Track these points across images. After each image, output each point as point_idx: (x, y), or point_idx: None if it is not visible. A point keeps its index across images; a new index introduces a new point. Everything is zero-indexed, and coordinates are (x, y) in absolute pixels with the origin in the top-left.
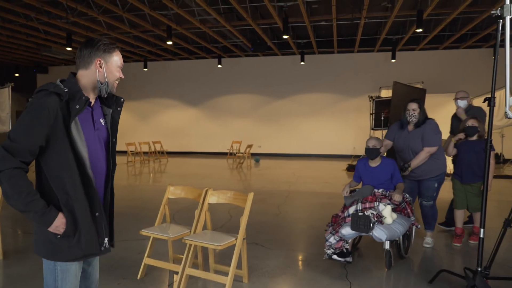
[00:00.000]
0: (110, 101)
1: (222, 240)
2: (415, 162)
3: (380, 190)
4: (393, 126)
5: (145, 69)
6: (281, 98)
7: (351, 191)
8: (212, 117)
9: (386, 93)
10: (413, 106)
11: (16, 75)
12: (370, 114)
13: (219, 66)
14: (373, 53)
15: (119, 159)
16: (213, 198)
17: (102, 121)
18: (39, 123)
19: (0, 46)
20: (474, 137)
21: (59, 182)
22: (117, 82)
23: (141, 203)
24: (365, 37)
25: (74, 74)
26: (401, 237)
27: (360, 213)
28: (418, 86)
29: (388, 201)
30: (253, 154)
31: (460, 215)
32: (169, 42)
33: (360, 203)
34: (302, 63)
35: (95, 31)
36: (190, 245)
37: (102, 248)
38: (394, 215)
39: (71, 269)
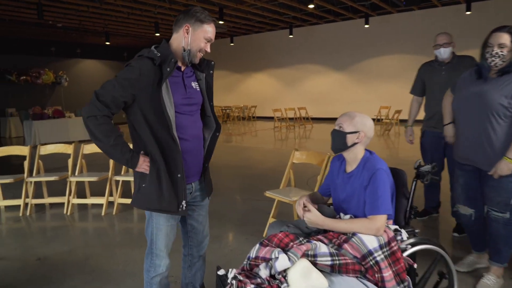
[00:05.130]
0: (202, 66)
1: None
2: None
3: (346, 217)
4: (465, 74)
5: (291, 36)
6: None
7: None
8: (359, 81)
9: None
10: (501, 38)
11: None
12: None
13: (366, 26)
14: None
15: (267, 125)
16: None
17: (194, 84)
18: (128, 80)
19: (169, 26)
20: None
21: (148, 140)
22: (201, 54)
23: (281, 166)
24: None
25: (167, 40)
26: None
27: (220, 271)
28: None
29: (326, 247)
30: (403, 121)
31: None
32: (311, 6)
33: (259, 245)
34: (468, 12)
35: (243, 2)
36: None
37: (179, 209)
38: (323, 283)
39: (163, 229)
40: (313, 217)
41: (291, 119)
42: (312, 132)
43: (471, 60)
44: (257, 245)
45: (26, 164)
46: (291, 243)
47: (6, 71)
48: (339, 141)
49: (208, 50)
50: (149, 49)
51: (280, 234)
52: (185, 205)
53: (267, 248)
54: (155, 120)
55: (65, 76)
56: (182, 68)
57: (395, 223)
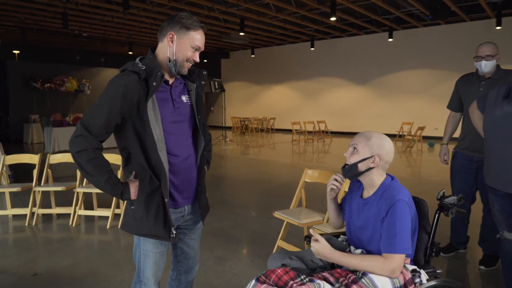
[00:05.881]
0: (194, 76)
1: None
2: None
3: (357, 251)
4: (493, 92)
5: (312, 48)
6: (467, 73)
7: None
8: (381, 96)
9: None
10: None
11: (205, 61)
12: None
13: (390, 40)
14: None
15: (285, 137)
16: None
17: (184, 98)
18: (116, 101)
19: None
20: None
21: (136, 160)
22: (189, 64)
23: (297, 182)
24: None
25: (154, 51)
26: None
27: None
28: None
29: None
30: (426, 138)
31: None
32: (333, 18)
33: (255, 281)
34: (498, 27)
35: (265, 15)
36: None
37: (171, 235)
38: None
39: (151, 256)
40: (321, 247)
41: (309, 132)
42: (331, 147)
43: None
44: (253, 281)
45: (35, 172)
46: (291, 282)
47: (32, 79)
48: (352, 172)
49: (197, 59)
50: (133, 62)
51: (279, 270)
52: (175, 232)
53: (264, 286)
54: (144, 139)
55: (88, 84)
56: (170, 81)
57: (413, 262)
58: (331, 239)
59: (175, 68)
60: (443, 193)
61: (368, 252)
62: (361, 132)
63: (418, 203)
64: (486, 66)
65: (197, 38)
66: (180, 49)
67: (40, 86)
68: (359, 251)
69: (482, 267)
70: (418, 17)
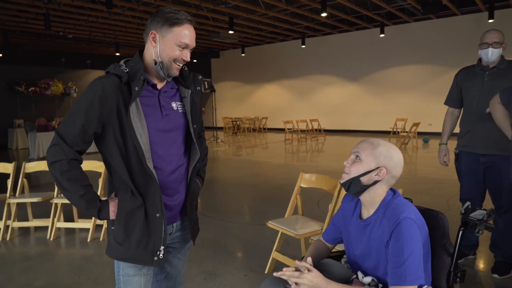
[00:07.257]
0: (188, 81)
1: None
2: None
3: (366, 279)
4: None
5: (303, 46)
6: (459, 67)
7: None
8: (374, 92)
9: None
10: None
11: (194, 61)
12: None
13: (382, 35)
14: None
15: (278, 137)
16: None
17: (175, 105)
18: (93, 107)
19: None
20: None
21: (117, 173)
22: (178, 64)
23: (291, 185)
24: None
25: (142, 52)
26: None
27: None
28: None
29: None
30: (421, 134)
31: None
32: (324, 14)
33: None
34: (491, 21)
35: (255, 12)
36: None
37: (155, 258)
38: None
39: (134, 281)
40: (314, 278)
41: (302, 131)
42: (325, 145)
43: None
44: None
45: (9, 182)
46: None
47: (15, 82)
48: (355, 188)
49: (187, 58)
50: (116, 63)
51: None
52: (162, 252)
53: None
54: (126, 149)
55: (74, 87)
56: (159, 86)
57: None
58: (330, 265)
59: (162, 70)
60: (468, 205)
61: (377, 278)
62: (366, 139)
63: (436, 217)
64: (493, 54)
65: (183, 34)
66: (165, 49)
67: (24, 90)
68: (369, 279)
69: (495, 275)
70: (409, 11)
